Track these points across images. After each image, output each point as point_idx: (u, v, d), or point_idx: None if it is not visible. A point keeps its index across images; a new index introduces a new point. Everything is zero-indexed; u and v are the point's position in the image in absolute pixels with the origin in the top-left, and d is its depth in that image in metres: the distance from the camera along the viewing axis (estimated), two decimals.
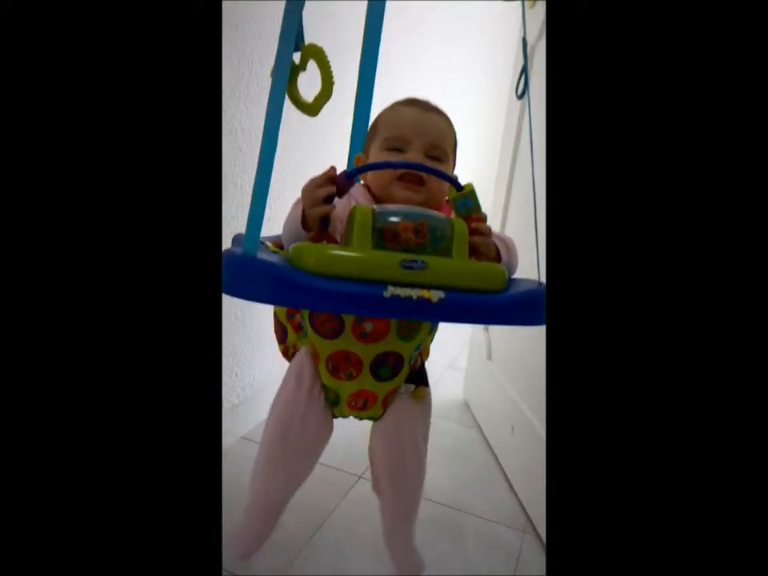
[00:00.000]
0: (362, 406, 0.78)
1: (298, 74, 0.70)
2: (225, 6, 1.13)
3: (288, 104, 0.66)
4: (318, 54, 0.68)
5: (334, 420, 0.82)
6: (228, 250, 0.54)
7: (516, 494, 1.35)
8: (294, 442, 0.78)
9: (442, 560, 1.11)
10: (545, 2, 1.21)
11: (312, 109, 0.74)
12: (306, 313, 0.76)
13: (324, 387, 0.77)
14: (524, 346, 1.41)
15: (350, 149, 0.88)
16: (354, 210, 0.54)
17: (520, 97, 0.71)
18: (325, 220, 0.58)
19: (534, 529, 1.23)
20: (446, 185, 0.67)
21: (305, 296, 0.49)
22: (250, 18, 1.22)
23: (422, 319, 0.70)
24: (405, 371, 0.78)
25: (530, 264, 0.69)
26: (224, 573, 0.99)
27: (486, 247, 0.60)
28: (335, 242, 0.59)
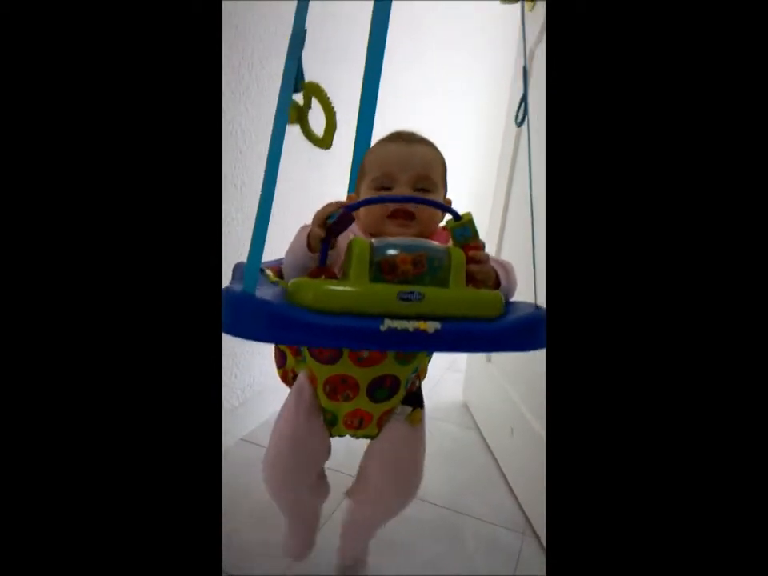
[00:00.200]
0: (357, 425, 0.80)
1: (307, 114, 0.73)
2: (225, 6, 1.13)
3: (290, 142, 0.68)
4: (316, 91, 0.71)
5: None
6: (227, 288, 0.54)
7: (515, 496, 1.35)
8: (296, 460, 0.80)
9: (441, 562, 1.11)
10: (545, 3, 1.22)
11: (324, 142, 0.76)
12: None
13: (322, 409, 0.79)
14: None
15: (351, 168, 0.88)
16: (352, 243, 0.55)
17: (519, 124, 0.72)
18: (324, 254, 0.58)
19: (534, 531, 1.22)
20: (438, 214, 0.69)
21: (302, 333, 0.50)
22: (250, 18, 1.22)
23: (419, 350, 0.71)
24: (401, 393, 0.79)
25: (527, 282, 0.69)
26: (224, 573, 0.99)
27: (484, 274, 0.61)
28: (334, 276, 0.59)
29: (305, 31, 0.61)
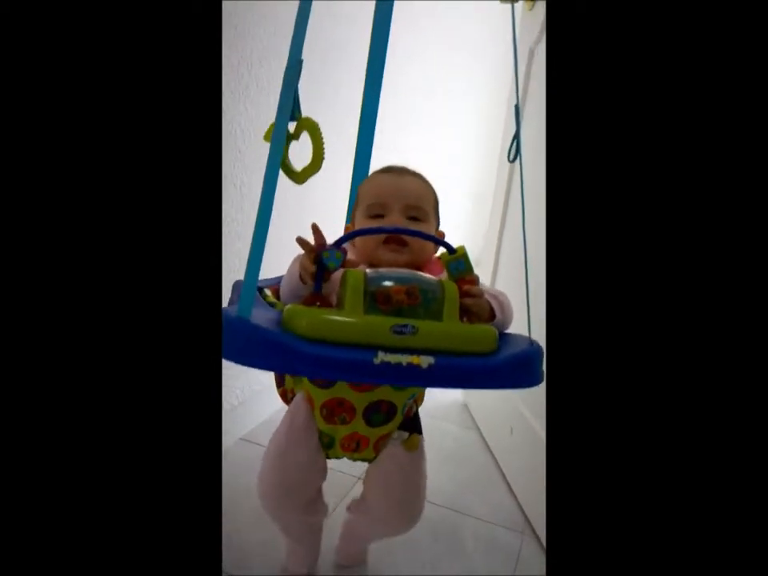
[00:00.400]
0: (354, 448, 0.81)
1: (289, 142, 0.74)
2: (225, 6, 1.13)
3: None
4: (312, 129, 0.72)
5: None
6: (224, 310, 0.55)
7: (515, 496, 1.35)
8: (289, 483, 0.81)
9: (440, 561, 1.11)
10: (545, 3, 1.21)
11: (299, 177, 0.77)
12: None
13: (319, 431, 0.80)
14: None
15: (352, 181, 0.89)
16: (346, 273, 0.55)
17: (512, 160, 0.72)
18: (319, 282, 0.59)
19: (533, 530, 1.23)
20: (430, 243, 0.71)
21: (296, 363, 0.50)
22: (250, 18, 1.22)
23: (412, 385, 0.71)
24: (398, 418, 0.80)
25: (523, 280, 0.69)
26: (224, 573, 0.99)
27: (478, 308, 0.62)
28: (329, 304, 0.60)
29: (301, 61, 0.62)
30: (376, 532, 0.95)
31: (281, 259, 0.69)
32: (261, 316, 0.55)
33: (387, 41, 0.82)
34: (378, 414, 0.76)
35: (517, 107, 0.73)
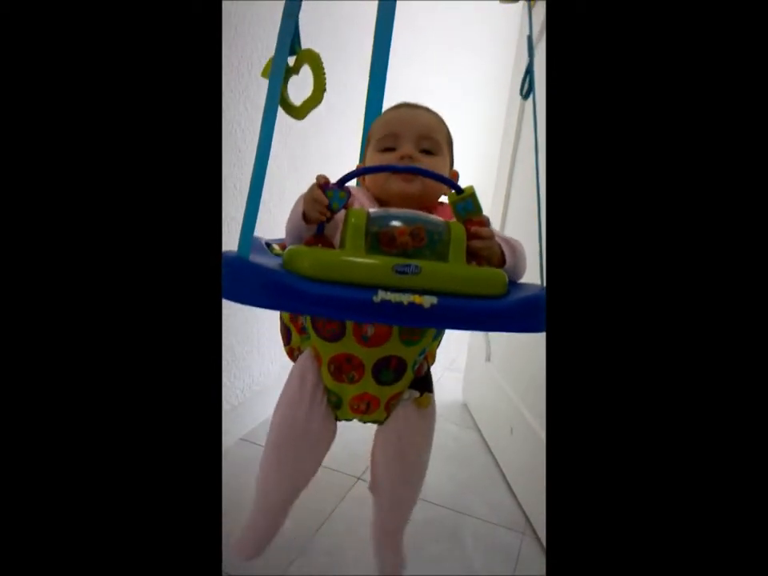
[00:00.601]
0: (364, 410, 0.78)
1: (289, 77, 0.71)
2: (225, 6, 1.13)
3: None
4: (314, 60, 0.69)
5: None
6: (225, 252, 0.54)
7: (515, 496, 1.35)
8: (298, 441, 0.78)
9: (440, 561, 1.11)
10: (545, 2, 1.22)
11: (299, 112, 0.74)
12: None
13: (327, 390, 0.77)
14: (523, 347, 1.41)
15: (362, 143, 0.87)
16: (348, 213, 0.54)
17: (525, 96, 0.71)
18: (321, 223, 0.58)
19: (533, 530, 1.23)
20: (444, 173, 0.68)
21: (293, 300, 0.49)
22: (250, 19, 1.22)
23: (413, 325, 0.69)
24: (408, 375, 0.77)
25: (532, 268, 0.68)
26: (224, 573, 0.99)
27: (488, 251, 0.59)
28: (331, 245, 0.58)
29: None
30: (393, 504, 0.88)
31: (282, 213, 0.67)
32: (263, 260, 0.54)
33: (390, 40, 0.81)
34: (388, 370, 0.74)
35: (530, 38, 0.71)
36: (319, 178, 0.58)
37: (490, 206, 1.72)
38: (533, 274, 0.67)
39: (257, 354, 1.50)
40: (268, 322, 1.46)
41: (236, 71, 1.22)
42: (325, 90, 0.71)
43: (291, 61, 0.69)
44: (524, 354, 1.40)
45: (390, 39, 0.84)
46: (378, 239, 0.52)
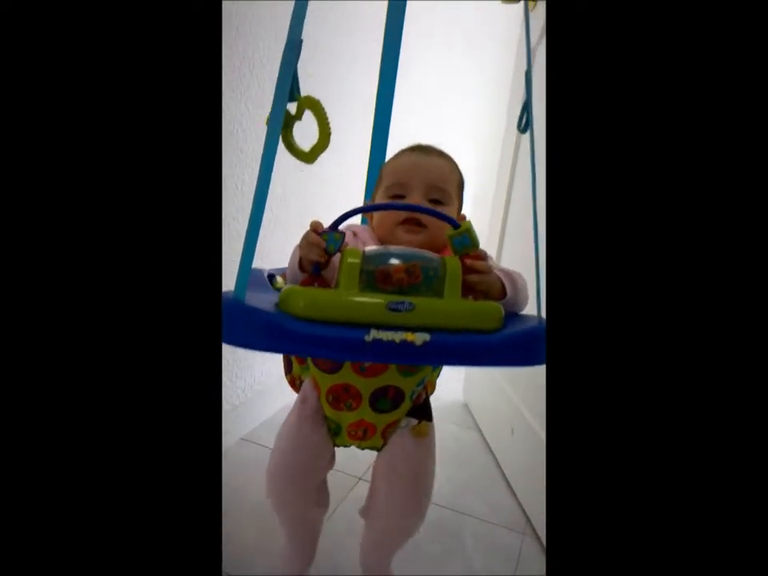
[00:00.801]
0: (361, 436, 0.79)
1: (293, 123, 0.72)
2: (225, 7, 1.13)
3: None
4: (314, 107, 0.70)
5: None
6: (224, 293, 0.54)
7: (516, 496, 1.35)
8: (299, 470, 0.80)
9: (441, 562, 1.11)
10: (545, 3, 1.22)
11: (308, 157, 0.74)
12: None
13: (326, 418, 0.79)
14: None
15: (368, 170, 0.88)
16: (344, 253, 0.54)
17: (523, 131, 0.70)
18: (317, 265, 0.58)
19: (534, 531, 1.23)
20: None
21: (286, 342, 0.49)
22: (251, 19, 1.22)
23: (405, 363, 0.69)
24: (406, 404, 0.77)
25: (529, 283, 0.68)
26: (224, 573, 0.99)
27: (485, 284, 0.59)
28: (328, 285, 0.58)
29: (301, 41, 0.60)
30: (389, 531, 0.91)
31: (284, 243, 0.67)
32: (262, 299, 0.54)
33: (400, 43, 0.80)
34: (385, 400, 0.74)
35: (527, 73, 0.70)
36: (313, 223, 0.58)
37: (489, 216, 1.72)
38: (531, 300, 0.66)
39: (258, 354, 1.50)
40: None
41: (237, 71, 1.22)
42: (330, 133, 0.71)
43: (293, 108, 0.70)
44: None
45: (399, 43, 0.83)
46: (374, 277, 0.52)
